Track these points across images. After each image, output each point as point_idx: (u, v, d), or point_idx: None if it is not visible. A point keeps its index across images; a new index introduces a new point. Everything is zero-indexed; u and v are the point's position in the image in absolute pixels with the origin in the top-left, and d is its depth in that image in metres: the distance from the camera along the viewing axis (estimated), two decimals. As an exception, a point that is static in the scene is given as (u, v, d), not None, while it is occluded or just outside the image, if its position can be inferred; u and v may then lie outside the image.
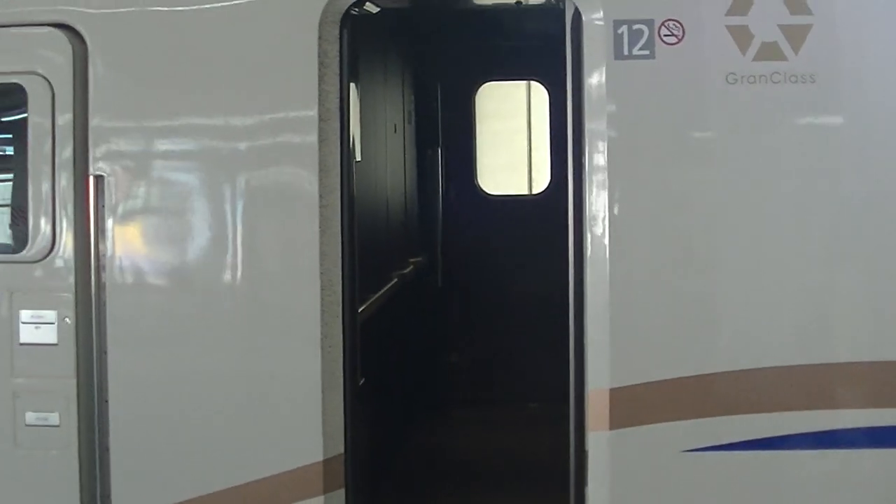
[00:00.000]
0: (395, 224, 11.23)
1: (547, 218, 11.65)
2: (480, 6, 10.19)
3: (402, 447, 11.00)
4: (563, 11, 7.59)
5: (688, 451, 7.12)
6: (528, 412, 12.30)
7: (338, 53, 7.28)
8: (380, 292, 9.62)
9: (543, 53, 11.45)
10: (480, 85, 12.88)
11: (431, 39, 12.28)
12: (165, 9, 7.37)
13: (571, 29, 7.30)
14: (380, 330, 9.14)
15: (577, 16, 7.21)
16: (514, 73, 13.30)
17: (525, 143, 16.27)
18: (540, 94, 13.45)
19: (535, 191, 14.37)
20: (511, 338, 12.44)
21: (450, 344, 12.75)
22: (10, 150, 7.66)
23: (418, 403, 11.98)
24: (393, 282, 10.35)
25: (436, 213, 12.33)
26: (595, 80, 7.16)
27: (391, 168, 11.06)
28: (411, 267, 11.30)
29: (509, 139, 15.67)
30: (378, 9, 8.58)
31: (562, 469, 7.65)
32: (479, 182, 12.92)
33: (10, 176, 7.59)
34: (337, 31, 7.27)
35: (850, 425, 7.20)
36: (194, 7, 7.35)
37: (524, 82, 14.61)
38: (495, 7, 10.57)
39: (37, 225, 7.42)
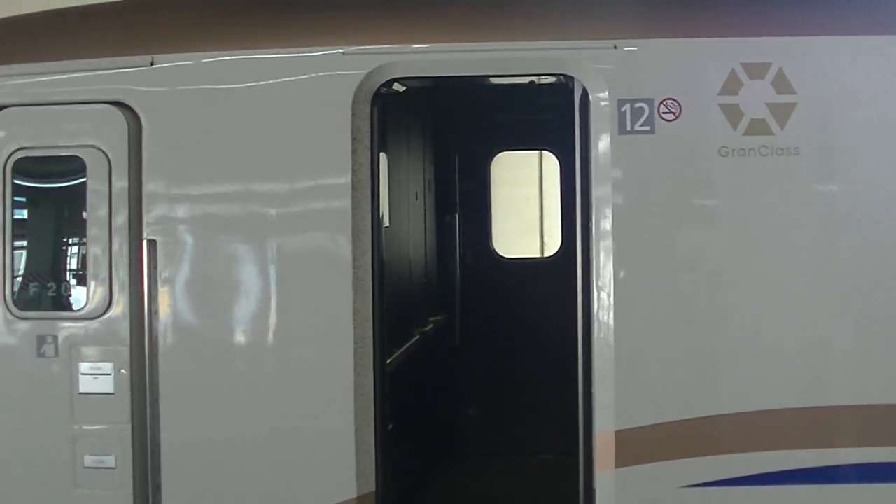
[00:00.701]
0: (416, 285, 11.37)
1: (558, 280, 11.77)
2: (495, 83, 10.50)
3: (423, 491, 11.13)
4: (572, 90, 8.00)
5: (686, 486, 7.49)
6: (538, 462, 12.36)
7: (369, 128, 7.65)
8: (403, 347, 9.84)
9: (554, 125, 11.55)
10: (495, 155, 12.98)
11: (450, 113, 12.43)
12: (212, 87, 7.77)
13: (580, 106, 7.71)
14: (403, 382, 9.31)
15: (584, 94, 7.61)
16: (526, 143, 13.36)
17: (537, 208, 16.31)
18: (551, 162, 13.41)
19: (547, 254, 14.30)
20: (523, 392, 12.51)
21: (466, 398, 12.79)
22: (71, 217, 7.94)
23: (437, 453, 12.05)
24: (415, 338, 10.55)
25: (454, 274, 12.43)
26: (601, 152, 7.54)
27: (413, 232, 11.24)
28: (431, 325, 11.44)
29: (522, 205, 15.71)
30: (404, 87, 8.93)
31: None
32: (494, 246, 12.99)
33: (73, 240, 7.91)
34: (368, 109, 7.65)
35: (838, 463, 7.54)
36: (239, 86, 7.73)
37: (536, 152, 14.53)
38: (509, 84, 10.74)
39: (94, 284, 7.77)
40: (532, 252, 15.28)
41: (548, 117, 12.06)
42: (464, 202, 12.86)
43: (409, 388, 9.95)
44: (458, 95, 11.92)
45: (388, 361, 8.19)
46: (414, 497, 10.64)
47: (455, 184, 12.84)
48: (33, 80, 7.93)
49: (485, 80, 9.87)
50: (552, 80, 9.51)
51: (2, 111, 7.92)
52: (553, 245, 13.93)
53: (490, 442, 12.70)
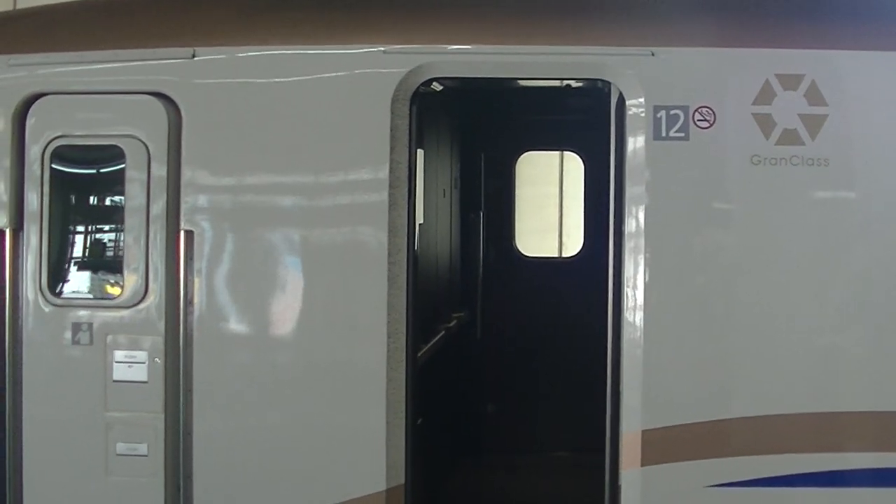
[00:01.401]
0: (442, 281, 11.45)
1: (579, 279, 12.12)
2: (523, 85, 10.56)
3: (446, 486, 11.22)
4: (604, 93, 8.08)
5: (710, 486, 7.60)
6: (556, 460, 12.43)
7: (407, 127, 7.73)
8: (430, 343, 9.93)
9: (579, 127, 11.96)
10: (520, 155, 12.96)
11: (477, 112, 12.50)
12: (254, 80, 7.82)
13: (616, 110, 7.79)
14: (430, 377, 9.40)
15: (621, 100, 7.70)
16: (552, 143, 13.44)
17: (556, 208, 16.35)
18: (572, 162, 13.84)
19: (565, 254, 14.59)
20: (542, 390, 12.56)
21: (487, 394, 12.79)
22: (108, 205, 8.01)
23: (459, 448, 12.14)
24: (441, 334, 10.67)
25: (477, 272, 12.45)
26: (636, 157, 7.64)
27: (440, 230, 11.32)
28: (455, 321, 11.57)
29: (541, 205, 15.76)
30: (441, 87, 8.97)
31: (597, 501, 8.07)
32: (517, 244, 13.03)
33: (111, 228, 7.97)
34: (407, 108, 7.73)
35: (852, 467, 7.66)
36: (281, 79, 7.81)
37: (557, 152, 14.66)
38: (537, 85, 10.85)
39: (131, 273, 7.84)
40: (550, 251, 15.36)
41: (574, 118, 12.21)
42: (488, 201, 12.88)
43: (434, 383, 10.00)
44: (487, 95, 11.97)
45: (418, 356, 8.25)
46: (438, 491, 10.71)
47: (480, 182, 12.86)
48: (74, 68, 7.99)
49: (514, 81, 9.89)
50: (581, 83, 9.61)
51: (42, 98, 7.98)
52: (571, 245, 14.12)
53: (509, 439, 12.74)
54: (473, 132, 12.75)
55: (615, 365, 7.82)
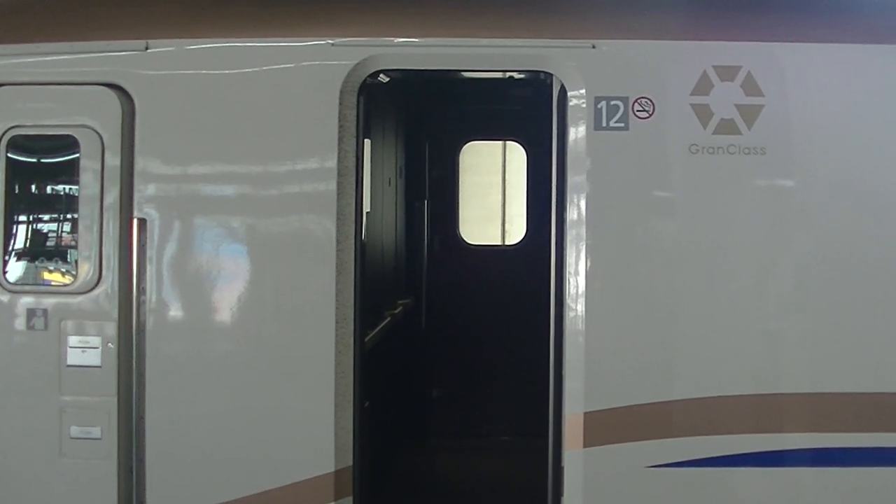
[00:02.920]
0: (388, 269, 11.56)
1: (522, 266, 12.35)
2: (467, 76, 10.68)
3: (393, 468, 11.33)
4: (546, 84, 8.24)
5: (651, 466, 7.78)
6: (499, 444, 12.65)
7: (355, 117, 7.85)
8: (376, 329, 10.03)
9: (522, 117, 12.14)
10: (464, 144, 13.18)
11: (422, 103, 12.68)
12: (205, 72, 7.93)
13: (558, 101, 7.94)
14: (376, 363, 9.50)
15: (562, 91, 7.86)
16: (495, 133, 13.55)
17: (499, 197, 16.39)
18: (514, 152, 13.70)
19: (508, 241, 14.41)
20: (485, 375, 12.75)
21: (431, 380, 13.01)
22: (63, 194, 8.03)
23: (405, 432, 12.27)
24: (386, 320, 10.79)
25: (421, 259, 12.65)
26: (577, 146, 7.78)
27: (386, 218, 11.43)
28: (401, 308, 11.67)
29: (484, 193, 15.82)
30: (388, 79, 9.08)
31: (540, 483, 8.21)
32: (461, 232, 13.21)
33: (65, 216, 8.00)
34: (355, 99, 7.85)
35: (791, 447, 7.84)
36: (231, 71, 7.90)
37: (500, 142, 14.55)
38: (480, 76, 10.96)
39: (85, 260, 7.92)
40: (493, 239, 15.44)
41: (517, 109, 12.38)
42: (433, 189, 13.05)
43: (380, 369, 10.12)
44: (431, 86, 12.08)
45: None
46: (385, 474, 10.82)
47: (425, 171, 13.03)
48: (29, 59, 8.06)
49: (458, 73, 9.99)
50: (524, 74, 9.72)
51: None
52: (513, 232, 14.29)
53: (453, 423, 12.92)
54: (418, 122, 12.90)
55: (558, 349, 7.95)
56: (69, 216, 8.01)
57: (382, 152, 11.23)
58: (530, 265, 11.35)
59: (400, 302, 11.88)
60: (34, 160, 8.07)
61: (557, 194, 7.98)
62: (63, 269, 8.03)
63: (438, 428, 12.95)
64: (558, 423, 7.97)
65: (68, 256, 8.02)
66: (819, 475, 7.92)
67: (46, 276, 8.05)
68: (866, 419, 7.86)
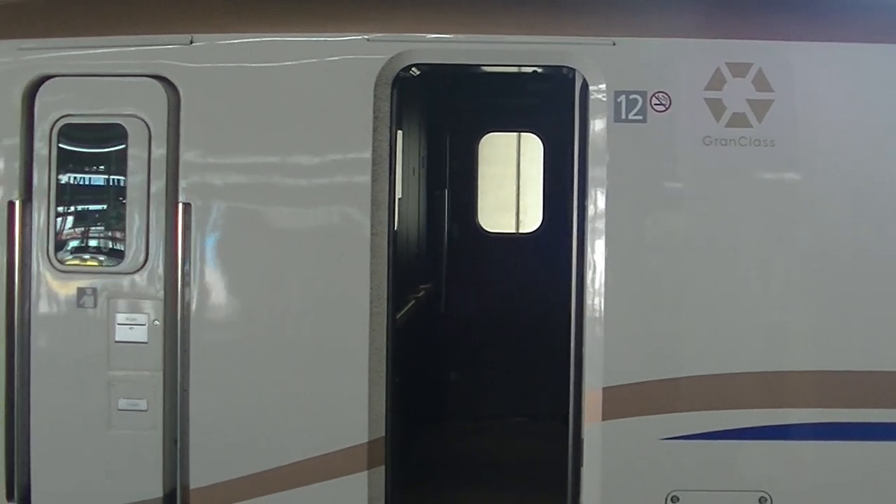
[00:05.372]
0: (412, 254, 11.81)
1: (537, 254, 12.63)
2: (488, 71, 10.95)
3: (417, 443, 11.60)
4: (565, 78, 8.59)
5: (665, 438, 8.10)
6: (513, 424, 12.87)
7: (389, 109, 8.14)
8: (402, 311, 10.28)
9: (540, 109, 12.46)
10: (483, 135, 13.41)
11: (444, 95, 12.95)
12: (247, 65, 8.18)
13: (580, 95, 8.24)
14: (402, 342, 9.60)
15: (584, 85, 8.16)
16: (513, 125, 13.75)
17: (513, 187, 16.60)
18: (529, 143, 14.06)
19: (522, 230, 14.68)
20: (502, 358, 13.01)
21: (450, 362, 13.26)
22: (110, 180, 8.29)
23: (425, 412, 12.57)
24: (410, 304, 11.08)
25: (441, 246, 12.92)
26: (597, 138, 8.10)
27: (410, 206, 11.67)
28: (422, 292, 11.95)
29: (500, 184, 16.07)
30: (419, 72, 9.35)
31: (561, 455, 8.52)
32: (479, 220, 13.47)
33: (114, 201, 8.25)
34: (389, 91, 8.15)
35: (796, 421, 8.13)
36: (271, 64, 8.18)
37: (514, 134, 14.83)
38: (501, 70, 11.29)
39: (132, 242, 8.20)
40: (509, 227, 15.68)
41: (534, 102, 12.66)
42: (453, 179, 13.28)
43: (406, 348, 10.37)
44: (454, 79, 12.37)
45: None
46: (412, 447, 11.10)
47: (446, 161, 13.25)
48: (80, 52, 8.32)
49: (479, 67, 10.40)
50: (547, 69, 10.02)
51: (50, 80, 8.30)
52: (528, 222, 14.52)
53: (470, 405, 13.18)
54: (440, 114, 13.10)
55: (578, 329, 8.22)
56: (117, 201, 8.26)
57: (408, 143, 11.46)
58: (547, 253, 11.72)
59: (421, 287, 12.12)
60: (84, 148, 8.33)
61: (579, 184, 8.25)
62: (111, 251, 8.32)
63: (456, 409, 13.20)
64: (578, 399, 8.25)
65: (115, 239, 8.29)
66: (821, 449, 8.22)
67: (95, 257, 8.34)
68: (869, 396, 8.18)
